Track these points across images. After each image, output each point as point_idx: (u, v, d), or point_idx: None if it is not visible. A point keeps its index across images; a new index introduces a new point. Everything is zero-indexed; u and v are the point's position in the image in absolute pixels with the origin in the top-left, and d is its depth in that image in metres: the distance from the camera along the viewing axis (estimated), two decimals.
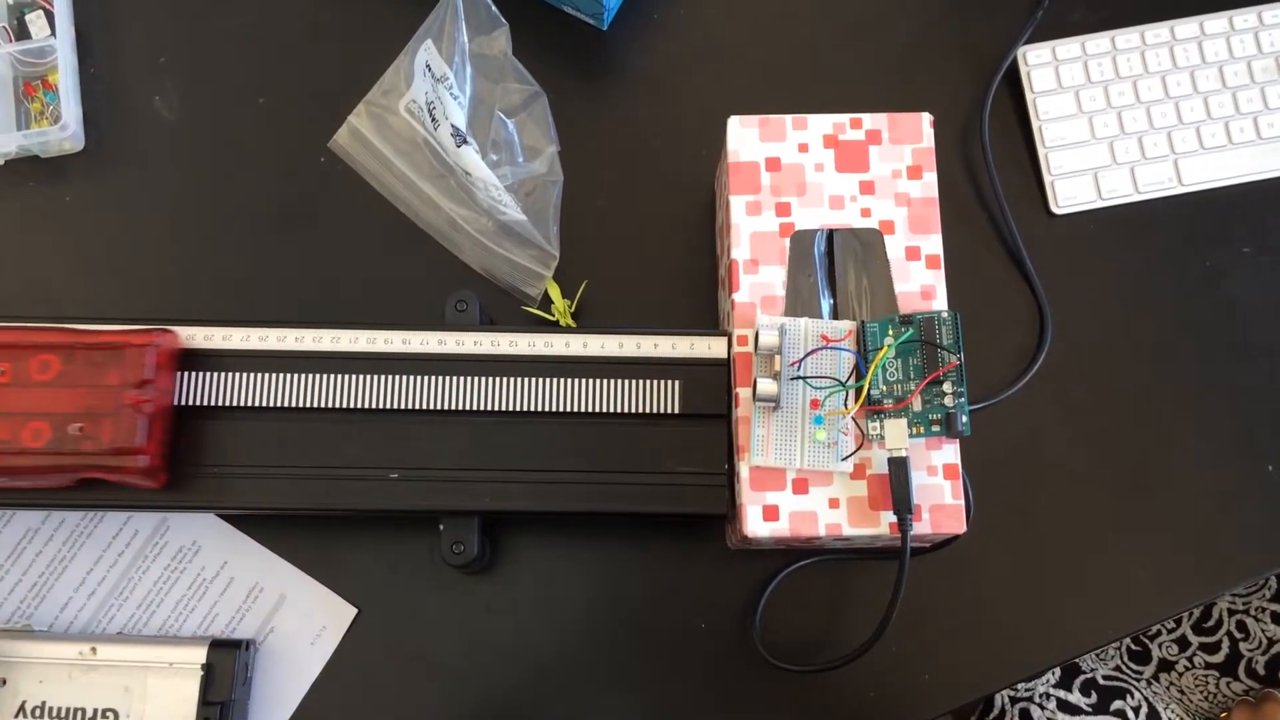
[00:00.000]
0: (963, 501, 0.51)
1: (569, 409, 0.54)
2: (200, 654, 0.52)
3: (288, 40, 0.65)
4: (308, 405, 0.54)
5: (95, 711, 0.52)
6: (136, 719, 0.52)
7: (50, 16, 0.63)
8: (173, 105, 0.64)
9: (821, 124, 0.55)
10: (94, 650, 0.52)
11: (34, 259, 0.61)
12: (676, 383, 0.54)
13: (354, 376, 0.54)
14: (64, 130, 0.61)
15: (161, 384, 0.52)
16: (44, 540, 0.57)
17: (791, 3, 0.66)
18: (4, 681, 0.52)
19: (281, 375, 0.54)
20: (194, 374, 0.53)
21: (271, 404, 0.54)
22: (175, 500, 0.53)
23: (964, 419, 0.49)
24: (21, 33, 0.63)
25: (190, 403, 0.53)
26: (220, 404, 0.53)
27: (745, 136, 0.55)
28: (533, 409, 0.54)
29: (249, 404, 0.53)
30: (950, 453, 0.51)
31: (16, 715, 0.52)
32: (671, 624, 0.57)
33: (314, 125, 0.63)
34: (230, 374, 0.54)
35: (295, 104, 0.64)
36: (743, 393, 0.52)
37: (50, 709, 0.52)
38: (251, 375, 0.54)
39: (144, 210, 0.62)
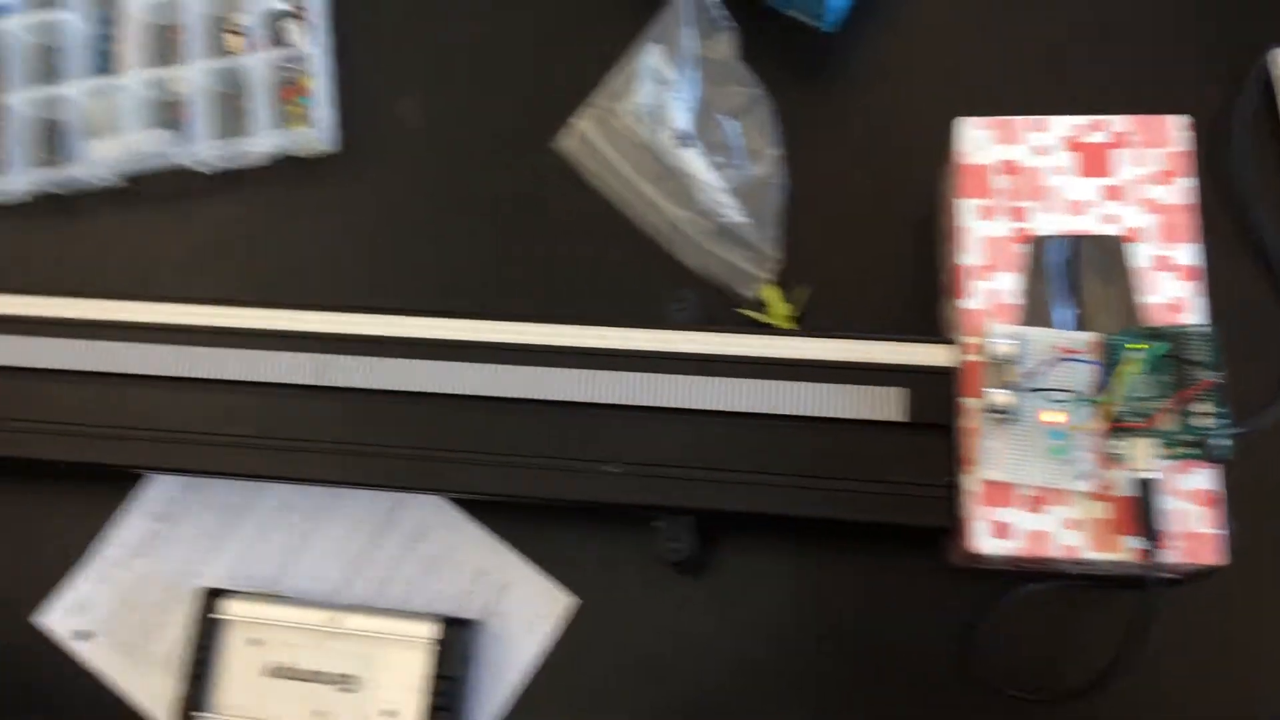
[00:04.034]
0: (1221, 531, 0.47)
1: (787, 412, 0.54)
2: (432, 630, 0.55)
3: (520, 46, 0.68)
4: (531, 398, 0.56)
5: (337, 675, 0.55)
6: (373, 686, 0.55)
7: (307, 25, 0.67)
8: (414, 109, 0.67)
9: (1061, 126, 0.53)
10: (336, 618, 0.56)
11: (288, 251, 0.66)
12: (899, 390, 0.53)
13: (575, 372, 0.56)
14: (317, 132, 0.65)
15: None
16: (293, 513, 0.61)
17: (1028, 0, 0.64)
18: (260, 642, 0.56)
19: (508, 368, 0.56)
20: (423, 363, 0.56)
21: (498, 395, 0.56)
22: (407, 481, 0.56)
23: (1223, 442, 0.46)
24: (281, 40, 0.68)
25: (419, 389, 0.56)
26: (450, 392, 0.56)
27: (978, 139, 0.54)
28: (750, 410, 0.54)
29: (480, 394, 0.56)
30: (1207, 478, 0.48)
31: (268, 674, 0.55)
32: (885, 639, 0.56)
33: (542, 128, 0.65)
34: (458, 364, 0.56)
35: (525, 108, 0.66)
36: (971, 403, 0.51)
37: (297, 670, 0.55)
38: (480, 367, 0.56)
39: (386, 207, 0.66)
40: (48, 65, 0.70)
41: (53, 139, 0.68)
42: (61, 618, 0.60)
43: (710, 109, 0.62)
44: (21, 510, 0.63)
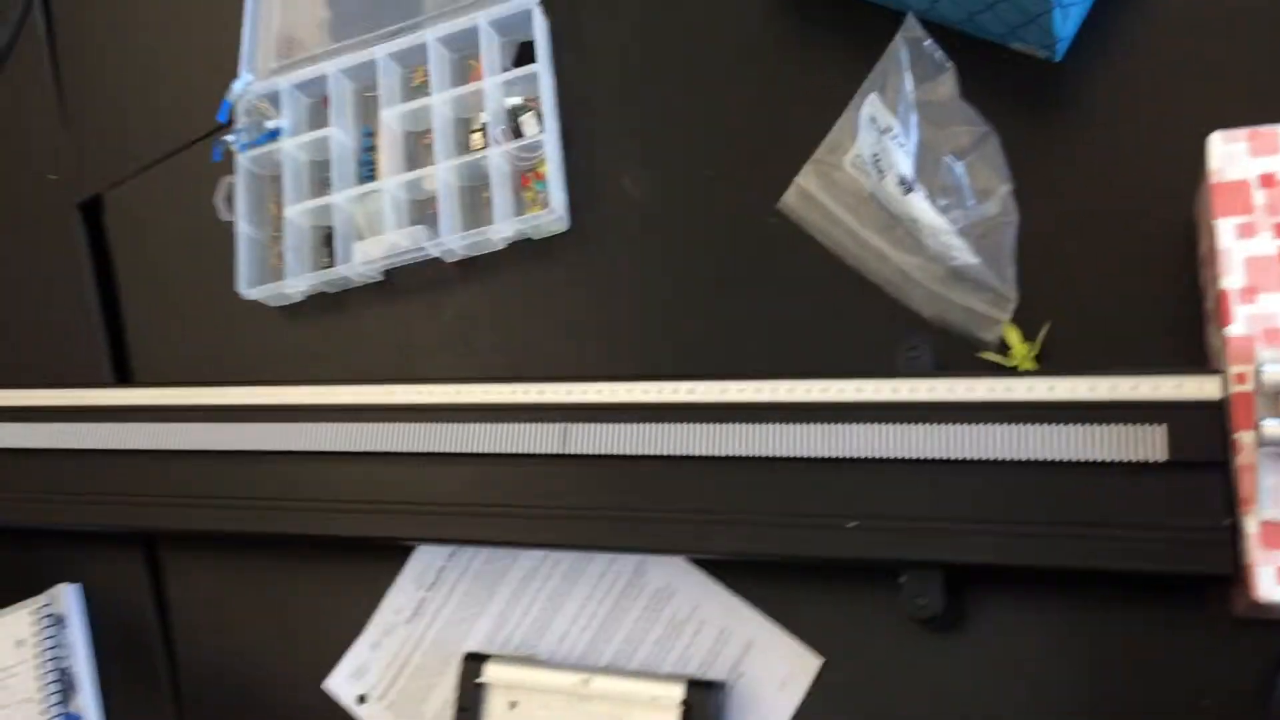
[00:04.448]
0: None
1: (1035, 457, 0.51)
2: (679, 692, 0.55)
3: (738, 108, 0.69)
4: (768, 455, 0.55)
5: None
6: None
7: (539, 116, 0.72)
8: (637, 185, 0.70)
9: None
10: (587, 681, 0.57)
11: (528, 326, 0.70)
12: (1160, 427, 0.49)
13: (811, 426, 0.55)
14: (552, 214, 0.69)
15: None
16: (544, 578, 0.63)
17: (1262, 8, 0.59)
18: (516, 704, 0.58)
19: (744, 426, 0.56)
20: (662, 426, 0.58)
21: (735, 454, 0.56)
22: (651, 544, 0.57)
23: None
24: (517, 132, 0.72)
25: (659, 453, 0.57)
26: (689, 454, 0.57)
27: (1231, 153, 0.50)
28: (996, 457, 0.52)
29: (717, 454, 0.56)
30: None
31: None
32: (1164, 700, 0.51)
33: (764, 188, 0.66)
34: (695, 425, 0.57)
35: (746, 169, 0.67)
36: (1244, 437, 0.46)
37: None
38: (717, 427, 0.57)
39: (617, 277, 0.69)
40: (318, 178, 0.78)
41: (326, 244, 0.76)
42: (344, 682, 0.65)
43: (934, 151, 0.61)
44: (312, 582, 0.69)
